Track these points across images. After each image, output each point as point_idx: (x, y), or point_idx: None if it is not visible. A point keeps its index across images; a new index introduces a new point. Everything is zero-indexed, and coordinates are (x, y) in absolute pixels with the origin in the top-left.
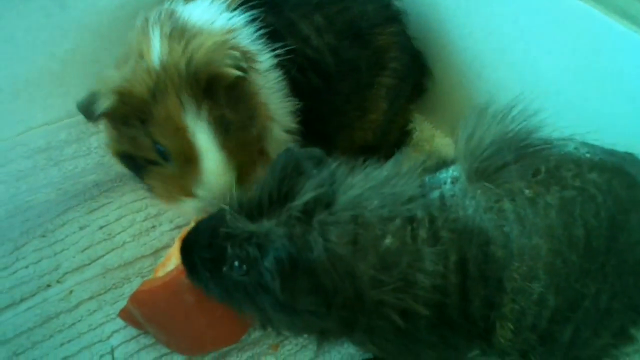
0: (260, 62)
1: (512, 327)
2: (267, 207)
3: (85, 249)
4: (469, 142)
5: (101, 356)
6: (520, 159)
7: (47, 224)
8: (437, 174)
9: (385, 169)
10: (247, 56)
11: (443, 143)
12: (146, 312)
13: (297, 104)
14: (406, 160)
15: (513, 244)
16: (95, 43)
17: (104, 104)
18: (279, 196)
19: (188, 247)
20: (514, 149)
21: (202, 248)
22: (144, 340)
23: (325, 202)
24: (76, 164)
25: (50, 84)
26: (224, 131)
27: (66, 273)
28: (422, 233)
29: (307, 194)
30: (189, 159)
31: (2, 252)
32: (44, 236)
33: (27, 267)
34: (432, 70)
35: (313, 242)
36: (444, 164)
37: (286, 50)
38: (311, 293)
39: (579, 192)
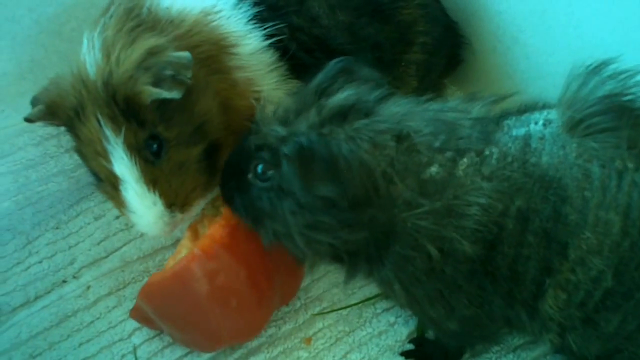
0: (248, 44)
1: (564, 297)
2: (301, 111)
3: (102, 241)
4: (580, 90)
5: (123, 356)
6: (632, 128)
7: (60, 215)
8: (528, 113)
9: (451, 103)
10: (225, 41)
11: None
12: (157, 306)
13: (299, 85)
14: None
15: (590, 212)
16: None
17: (33, 111)
18: (315, 96)
19: (228, 158)
20: (628, 116)
21: (234, 154)
22: (168, 338)
23: (364, 111)
24: None
25: (57, 65)
26: (153, 155)
27: (82, 267)
28: (485, 169)
29: (345, 94)
30: (114, 186)
31: (13, 246)
32: (57, 228)
33: (40, 262)
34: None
35: (340, 141)
36: (532, 107)
37: (287, 29)
38: (328, 180)
39: None
